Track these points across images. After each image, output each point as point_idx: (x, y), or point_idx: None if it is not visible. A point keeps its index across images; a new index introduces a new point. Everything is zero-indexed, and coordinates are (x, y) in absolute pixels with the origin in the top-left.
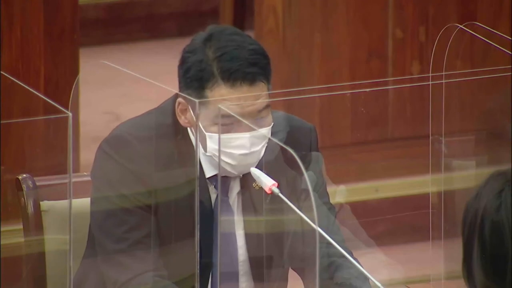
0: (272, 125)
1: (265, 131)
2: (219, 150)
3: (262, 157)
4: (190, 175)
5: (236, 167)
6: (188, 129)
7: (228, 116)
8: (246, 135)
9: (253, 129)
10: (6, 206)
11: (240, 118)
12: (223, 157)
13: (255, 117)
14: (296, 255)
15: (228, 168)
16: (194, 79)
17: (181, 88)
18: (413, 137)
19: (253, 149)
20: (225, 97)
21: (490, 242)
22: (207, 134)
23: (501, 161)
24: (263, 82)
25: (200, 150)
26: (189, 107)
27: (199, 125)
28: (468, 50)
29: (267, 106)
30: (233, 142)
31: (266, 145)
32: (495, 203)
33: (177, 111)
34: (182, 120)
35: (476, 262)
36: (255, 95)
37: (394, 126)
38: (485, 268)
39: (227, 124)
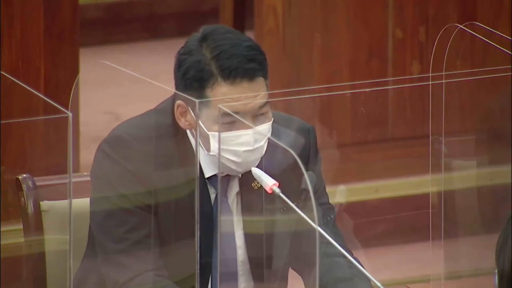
0: (272, 121)
1: (267, 126)
2: (219, 150)
3: (262, 157)
4: (190, 175)
5: (241, 165)
6: (187, 131)
7: (230, 114)
8: (250, 131)
9: (257, 125)
10: (6, 206)
11: (240, 118)
12: (227, 155)
13: (257, 113)
14: (296, 255)
15: (232, 166)
16: (194, 80)
17: (179, 91)
18: (413, 137)
19: (256, 145)
20: (225, 96)
21: None
22: (210, 133)
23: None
24: (262, 77)
25: (200, 150)
26: (189, 108)
27: (200, 125)
28: (468, 50)
29: (267, 102)
30: (237, 139)
31: (267, 140)
32: None
33: (177, 114)
34: (182, 123)
35: None
36: (255, 91)
37: (394, 126)
38: None
39: (230, 122)
